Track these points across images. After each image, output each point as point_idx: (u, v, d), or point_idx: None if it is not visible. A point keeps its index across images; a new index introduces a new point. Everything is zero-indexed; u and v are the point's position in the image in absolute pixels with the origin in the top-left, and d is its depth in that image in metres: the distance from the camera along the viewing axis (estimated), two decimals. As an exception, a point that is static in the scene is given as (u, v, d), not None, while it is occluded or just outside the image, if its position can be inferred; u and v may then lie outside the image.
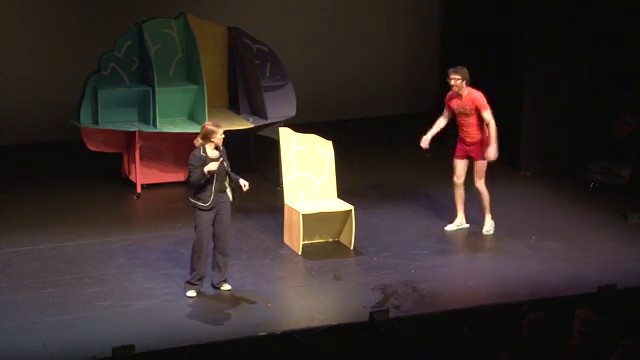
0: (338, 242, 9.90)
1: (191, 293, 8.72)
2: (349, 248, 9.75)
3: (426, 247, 9.82)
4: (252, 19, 12.85)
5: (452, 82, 9.84)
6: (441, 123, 10.09)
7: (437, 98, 11.50)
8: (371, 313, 7.93)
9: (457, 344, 7.49)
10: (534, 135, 11.96)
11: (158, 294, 8.76)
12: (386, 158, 12.50)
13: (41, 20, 12.84)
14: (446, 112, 10.07)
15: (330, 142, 10.01)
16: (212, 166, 8.47)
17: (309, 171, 9.94)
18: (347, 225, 9.78)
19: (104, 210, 10.77)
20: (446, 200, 10.92)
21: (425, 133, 10.03)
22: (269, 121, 11.37)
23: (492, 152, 9.86)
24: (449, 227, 10.22)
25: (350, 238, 9.73)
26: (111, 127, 11.11)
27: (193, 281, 8.76)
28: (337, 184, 10.02)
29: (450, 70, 9.89)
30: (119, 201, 11.10)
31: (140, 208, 11.05)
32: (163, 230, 10.18)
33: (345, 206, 9.79)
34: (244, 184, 8.70)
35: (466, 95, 9.85)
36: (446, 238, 10.05)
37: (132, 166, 11.28)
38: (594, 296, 8.12)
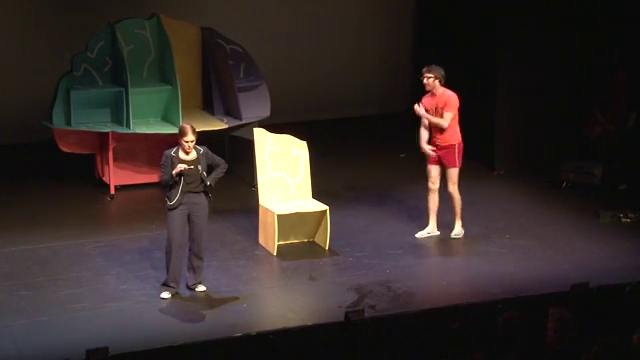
0: (313, 242, 9.90)
1: (165, 295, 8.69)
2: (324, 248, 9.75)
3: (401, 247, 9.83)
4: (225, 19, 12.82)
5: (424, 80, 9.64)
6: (425, 128, 9.72)
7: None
8: (346, 313, 7.92)
9: (432, 343, 7.52)
10: (507, 135, 12.02)
11: (132, 296, 8.72)
12: (360, 158, 12.51)
13: (11, 20, 12.75)
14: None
15: (305, 142, 10.01)
16: (179, 167, 8.45)
17: (284, 172, 9.93)
18: (322, 225, 9.78)
19: (77, 212, 10.71)
20: (420, 201, 10.96)
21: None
22: (243, 122, 11.35)
23: (417, 108, 9.61)
24: (420, 234, 9.99)
25: (325, 238, 9.73)
26: (84, 128, 11.05)
27: (167, 283, 8.73)
28: (312, 184, 10.02)
29: (424, 69, 9.72)
30: (92, 202, 11.04)
31: (114, 209, 11.00)
32: (137, 231, 10.14)
33: (320, 206, 9.79)
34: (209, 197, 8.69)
35: (440, 94, 9.65)
36: (420, 238, 10.06)
37: (105, 167, 11.22)
38: (567, 294, 8.16)
